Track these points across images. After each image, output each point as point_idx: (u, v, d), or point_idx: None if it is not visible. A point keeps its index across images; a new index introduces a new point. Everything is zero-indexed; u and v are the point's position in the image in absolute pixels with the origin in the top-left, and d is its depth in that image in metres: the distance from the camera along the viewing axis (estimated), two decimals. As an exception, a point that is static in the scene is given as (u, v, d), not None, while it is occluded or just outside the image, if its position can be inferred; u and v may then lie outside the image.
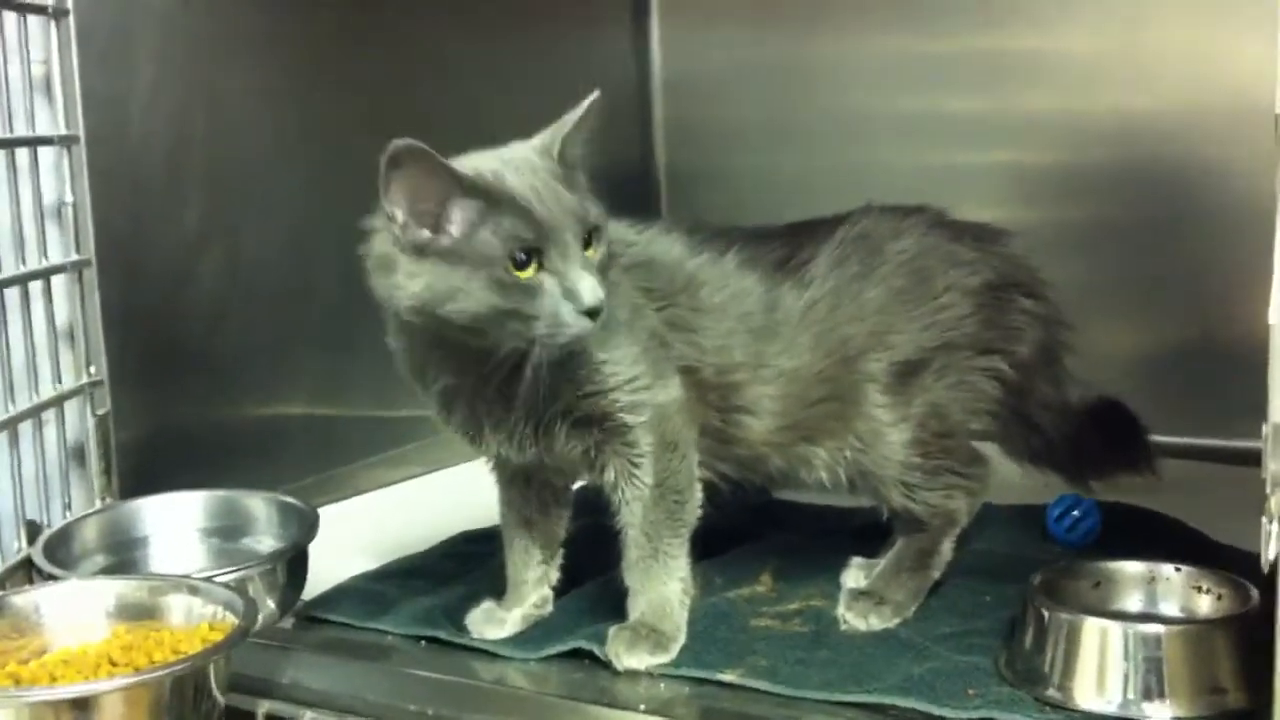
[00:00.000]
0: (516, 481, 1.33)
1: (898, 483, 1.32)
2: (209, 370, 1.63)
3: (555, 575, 1.35)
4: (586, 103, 1.18)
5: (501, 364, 1.15)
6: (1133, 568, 1.23)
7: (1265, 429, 0.83)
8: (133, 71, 1.53)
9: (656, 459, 1.24)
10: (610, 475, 1.25)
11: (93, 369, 1.48)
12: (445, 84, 1.91)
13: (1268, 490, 0.83)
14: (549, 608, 1.34)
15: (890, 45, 2.06)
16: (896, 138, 2.04)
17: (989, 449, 1.41)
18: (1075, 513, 1.49)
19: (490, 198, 1.11)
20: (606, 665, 1.22)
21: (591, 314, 1.11)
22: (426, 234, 1.11)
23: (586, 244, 1.14)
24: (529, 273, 1.11)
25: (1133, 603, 1.21)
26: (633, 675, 1.21)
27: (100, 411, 1.48)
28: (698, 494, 1.27)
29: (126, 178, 1.52)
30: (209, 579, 1.19)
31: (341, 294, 1.69)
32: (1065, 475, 1.49)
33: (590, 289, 1.10)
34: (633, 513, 1.25)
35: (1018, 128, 1.98)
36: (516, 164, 1.15)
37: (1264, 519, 0.83)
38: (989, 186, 1.97)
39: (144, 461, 1.52)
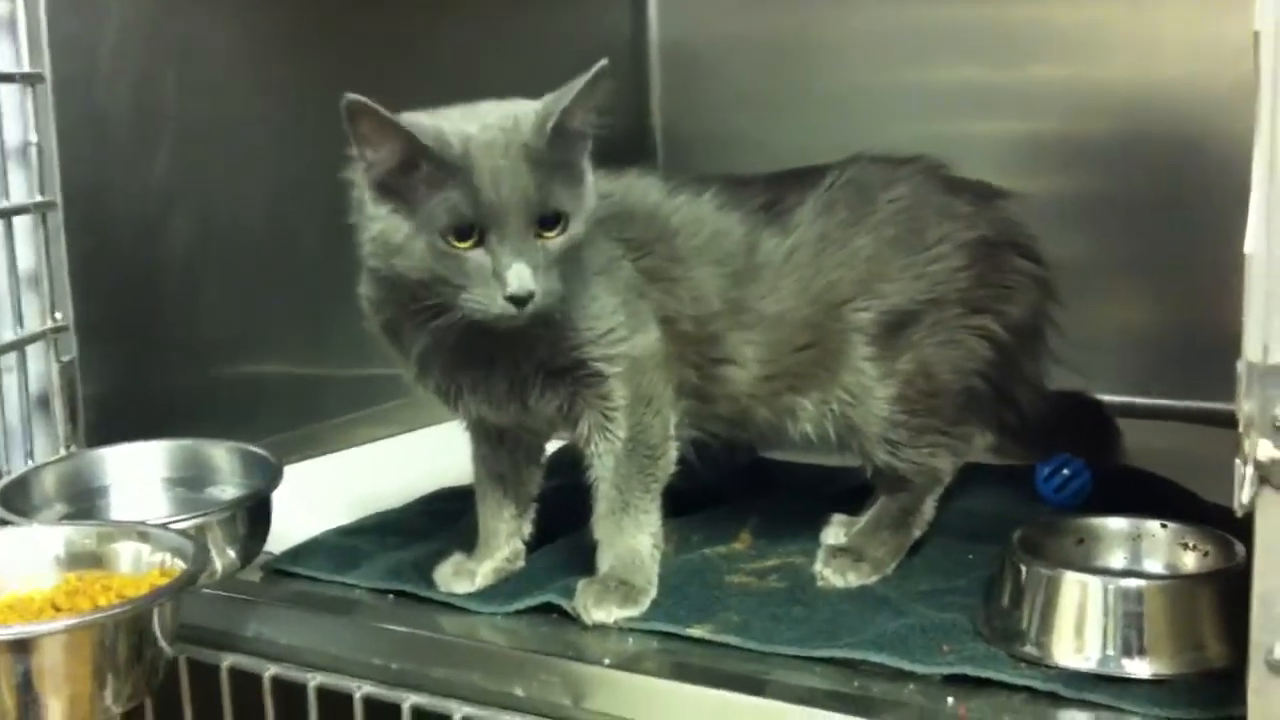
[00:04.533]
0: (490, 438, 1.30)
1: (882, 439, 1.29)
2: (181, 323, 1.59)
3: (528, 530, 1.32)
4: (591, 72, 1.13)
5: (471, 325, 1.12)
6: (1117, 524, 1.19)
7: (1239, 366, 0.79)
8: (102, 13, 1.48)
9: (630, 412, 1.21)
10: (583, 428, 1.22)
11: (58, 315, 1.45)
12: (438, 42, 1.86)
13: (1241, 430, 0.79)
14: (520, 562, 1.31)
15: (890, 14, 2.02)
16: (895, 107, 2.00)
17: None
18: (1065, 471, 1.45)
19: (445, 167, 1.09)
20: (575, 619, 1.20)
21: (516, 301, 1.08)
22: (392, 173, 1.10)
23: (547, 228, 1.11)
24: (467, 245, 1.09)
25: (1116, 559, 1.18)
26: (601, 629, 1.18)
27: (65, 358, 1.45)
28: (672, 451, 1.25)
29: (94, 123, 1.48)
30: (163, 526, 1.16)
31: (321, 249, 1.69)
32: (1034, 452, 1.47)
33: (517, 277, 1.08)
34: (604, 466, 1.22)
35: (1018, 98, 1.94)
36: (493, 134, 1.12)
37: (1238, 461, 0.79)
38: (988, 156, 1.92)
39: (112, 414, 1.49)
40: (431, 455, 1.67)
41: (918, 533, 1.31)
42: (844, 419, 1.29)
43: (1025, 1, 1.93)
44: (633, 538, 1.22)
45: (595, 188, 1.18)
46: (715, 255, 1.27)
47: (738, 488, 1.50)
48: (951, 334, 1.29)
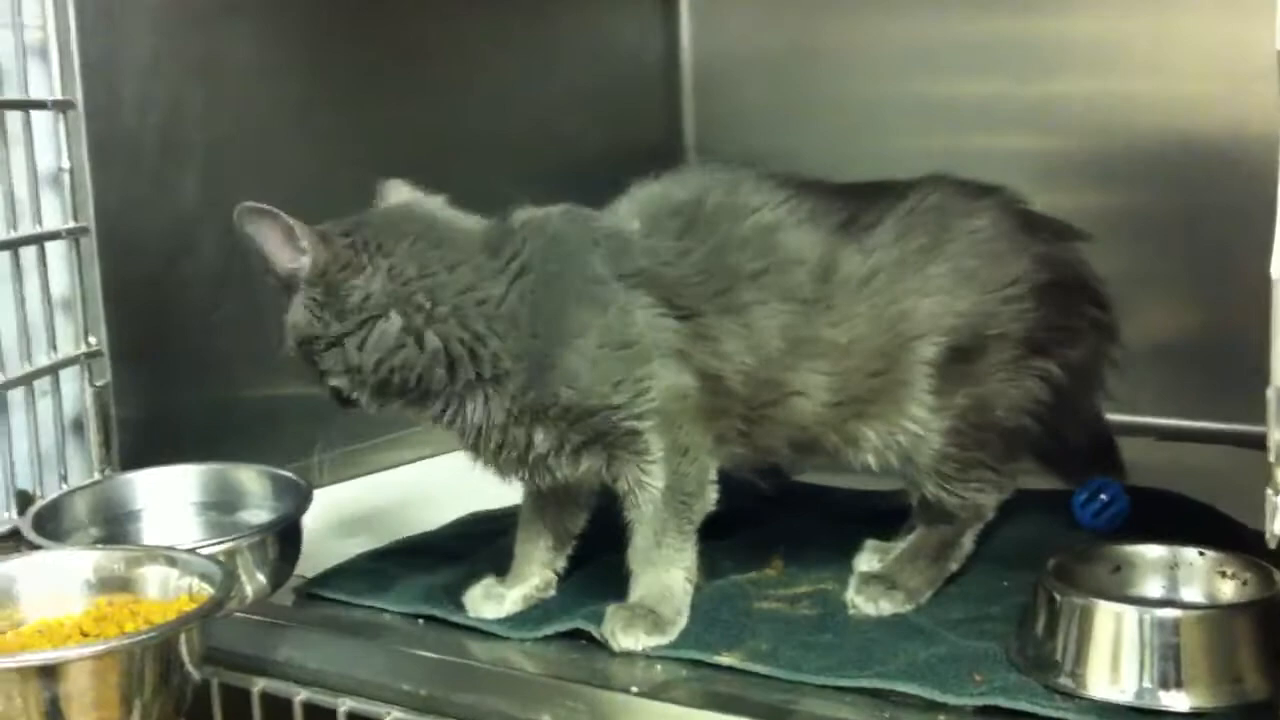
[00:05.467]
0: None
1: (933, 471, 1.26)
2: (211, 345, 1.59)
3: (562, 564, 1.32)
4: None
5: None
6: (1154, 552, 1.17)
7: (1269, 394, 0.77)
8: (131, 37, 1.49)
9: (667, 462, 1.20)
10: (623, 483, 1.22)
11: (92, 339, 1.46)
12: (465, 58, 1.87)
13: (1272, 459, 0.77)
14: (551, 592, 1.30)
15: (917, 28, 2.01)
16: (923, 121, 2.00)
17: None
18: (1103, 496, 1.43)
19: None
20: (605, 646, 1.19)
21: None
22: None
23: None
24: None
25: (1153, 588, 1.16)
26: (629, 657, 1.17)
27: (99, 383, 1.46)
28: (710, 494, 1.23)
29: (123, 146, 1.49)
30: (192, 551, 1.16)
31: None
32: (1065, 476, 1.45)
33: None
34: (642, 513, 1.22)
35: (1044, 113, 1.93)
36: None
37: (1269, 491, 0.77)
38: (1014, 171, 1.89)
39: (144, 437, 1.50)
40: (462, 478, 1.66)
41: (954, 566, 1.29)
42: (902, 449, 1.26)
43: (1051, 16, 1.92)
44: (665, 571, 1.21)
45: (650, 247, 1.21)
46: (782, 288, 1.22)
47: (767, 511, 1.49)
48: (1012, 373, 1.26)
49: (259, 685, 1.23)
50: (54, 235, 1.43)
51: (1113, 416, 1.51)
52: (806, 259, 1.23)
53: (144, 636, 1.01)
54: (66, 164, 1.43)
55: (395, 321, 1.17)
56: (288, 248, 1.17)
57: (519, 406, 1.18)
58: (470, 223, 1.24)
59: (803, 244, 1.24)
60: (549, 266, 1.20)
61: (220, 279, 1.60)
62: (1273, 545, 0.79)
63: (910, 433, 1.25)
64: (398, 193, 1.25)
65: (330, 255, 1.17)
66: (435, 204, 1.25)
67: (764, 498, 1.50)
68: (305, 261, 1.17)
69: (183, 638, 1.02)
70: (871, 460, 1.28)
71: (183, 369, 1.56)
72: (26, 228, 1.41)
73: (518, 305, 1.18)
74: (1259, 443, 1.64)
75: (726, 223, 1.24)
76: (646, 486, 1.21)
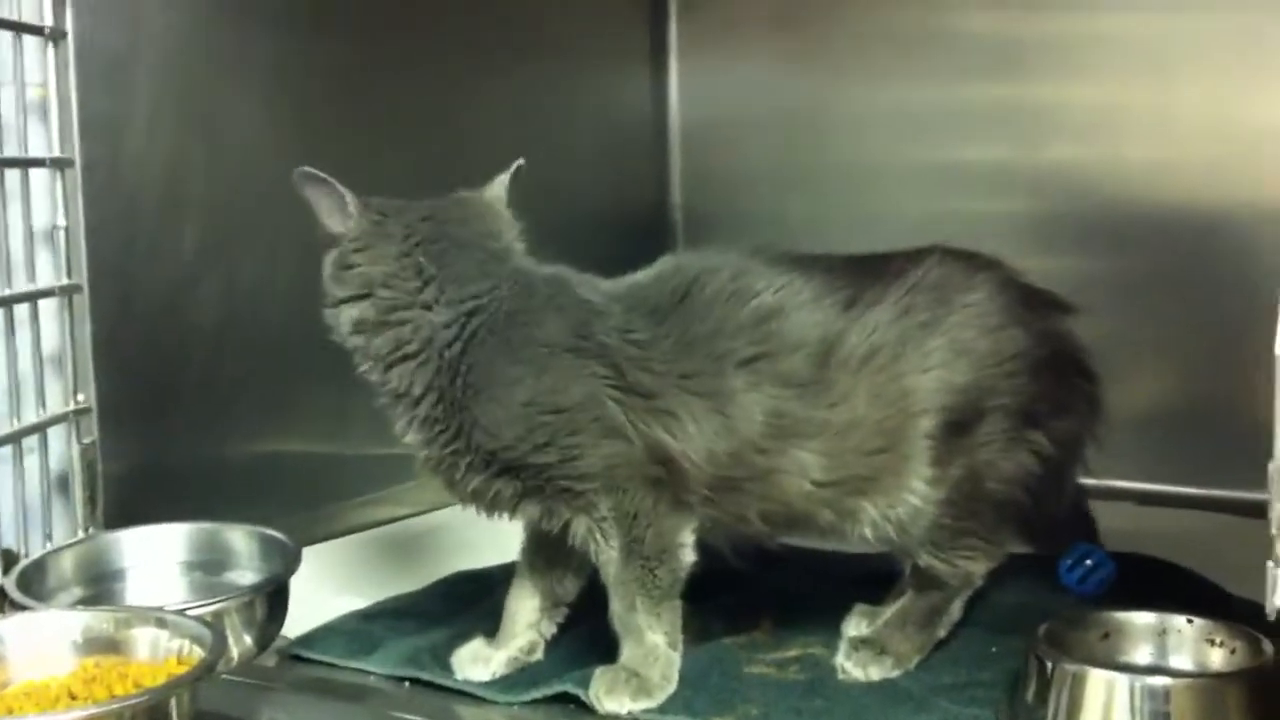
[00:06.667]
0: (537, 532, 1.29)
1: (926, 541, 1.26)
2: (201, 402, 1.59)
3: (549, 628, 1.32)
4: None
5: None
6: (1143, 619, 1.18)
7: (1270, 468, 0.78)
8: (131, 95, 1.50)
9: (619, 523, 1.21)
10: (576, 539, 1.23)
11: (80, 397, 1.45)
12: (459, 121, 1.88)
13: (1273, 531, 0.78)
14: (538, 655, 1.30)
15: (908, 94, 2.03)
16: (912, 186, 2.02)
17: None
18: (1088, 562, 1.44)
19: None
20: (593, 711, 1.18)
21: None
22: None
23: None
24: None
25: (1142, 655, 1.17)
26: (616, 720, 1.17)
27: (86, 440, 1.45)
28: (679, 559, 1.23)
29: (121, 203, 1.49)
30: (181, 612, 1.15)
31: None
32: (1035, 542, 1.45)
33: None
34: (606, 573, 1.22)
35: (1036, 178, 1.95)
36: None
37: (1269, 564, 0.78)
38: (1004, 236, 1.93)
39: (131, 495, 1.48)
40: (450, 537, 1.66)
41: (942, 633, 1.30)
42: (900, 521, 1.26)
43: (1043, 82, 1.94)
44: (645, 635, 1.21)
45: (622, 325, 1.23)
46: (781, 373, 1.22)
47: (755, 573, 1.48)
48: (1005, 445, 1.27)
49: (242, 748, 1.23)
50: (47, 293, 1.42)
51: (1095, 481, 1.52)
52: (808, 342, 1.23)
53: (134, 700, 1.01)
54: (62, 221, 1.43)
55: (369, 309, 1.24)
56: (336, 213, 1.25)
57: (444, 445, 1.21)
58: (485, 253, 1.26)
59: (804, 327, 1.24)
60: (500, 320, 1.21)
61: (214, 336, 1.60)
62: (1272, 618, 0.79)
63: (910, 505, 1.25)
64: (491, 189, 1.31)
65: (356, 229, 1.24)
66: (491, 219, 1.29)
67: (751, 558, 1.50)
68: (347, 226, 1.25)
69: (173, 701, 1.02)
70: (869, 533, 1.27)
71: (174, 426, 1.56)
72: (20, 284, 1.40)
73: (457, 344, 1.21)
74: (1243, 509, 1.66)
75: (723, 308, 1.24)
76: (601, 547, 1.21)
